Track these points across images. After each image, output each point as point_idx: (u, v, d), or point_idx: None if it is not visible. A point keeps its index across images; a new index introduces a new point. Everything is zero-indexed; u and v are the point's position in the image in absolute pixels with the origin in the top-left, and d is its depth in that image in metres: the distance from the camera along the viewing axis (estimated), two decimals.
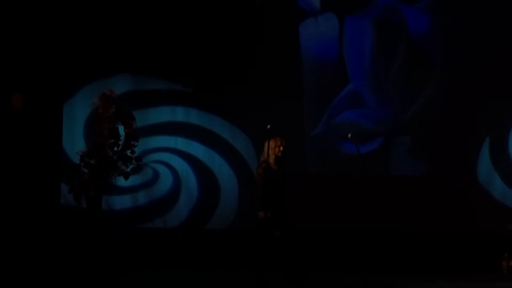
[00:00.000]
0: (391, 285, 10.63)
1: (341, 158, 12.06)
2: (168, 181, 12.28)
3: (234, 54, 12.16)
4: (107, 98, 10.73)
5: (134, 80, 12.26)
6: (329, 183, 11.94)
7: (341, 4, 12.23)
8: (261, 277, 9.64)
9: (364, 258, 11.31)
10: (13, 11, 11.77)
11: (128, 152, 10.77)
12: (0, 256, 11.04)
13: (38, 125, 11.81)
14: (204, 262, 11.80)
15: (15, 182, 11.61)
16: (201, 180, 12.29)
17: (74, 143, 11.95)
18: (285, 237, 9.65)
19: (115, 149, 10.73)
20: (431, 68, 12.19)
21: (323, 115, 12.22)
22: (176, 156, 12.28)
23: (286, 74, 12.13)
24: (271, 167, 9.72)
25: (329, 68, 12.25)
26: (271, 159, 9.75)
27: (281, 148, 9.76)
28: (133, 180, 11.50)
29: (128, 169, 10.80)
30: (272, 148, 9.77)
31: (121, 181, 10.93)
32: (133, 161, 10.80)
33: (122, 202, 12.17)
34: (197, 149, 12.28)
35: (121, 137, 10.72)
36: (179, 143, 12.29)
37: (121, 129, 10.76)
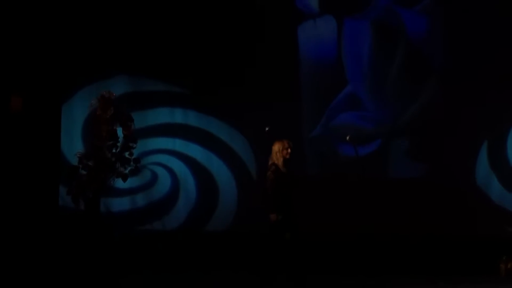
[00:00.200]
0: (390, 287, 10.66)
1: (339, 160, 12.06)
2: (166, 183, 12.28)
3: (233, 56, 12.16)
4: (105, 100, 10.72)
5: (132, 81, 12.26)
6: (327, 185, 11.93)
7: (340, 6, 12.22)
8: (270, 279, 9.67)
9: (362, 260, 11.33)
10: (11, 13, 11.76)
11: (126, 154, 10.75)
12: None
13: (37, 127, 11.80)
14: (203, 264, 11.78)
15: (14, 183, 11.60)
16: (199, 181, 12.30)
17: (72, 144, 11.96)
18: (294, 239, 9.69)
19: (113, 151, 10.71)
20: (429, 70, 12.19)
21: (322, 117, 12.23)
22: (174, 158, 12.28)
23: (285, 76, 12.13)
24: (280, 170, 9.76)
25: (328, 70, 12.25)
26: (280, 162, 9.79)
27: (289, 150, 9.80)
28: (131, 182, 11.47)
29: (126, 171, 10.78)
30: (280, 151, 9.80)
31: (119, 183, 10.92)
32: (131, 163, 10.77)
33: (120, 204, 12.17)
34: (195, 151, 12.29)
35: (119, 139, 10.72)
36: (177, 144, 12.30)
37: (119, 131, 10.75)
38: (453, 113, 12.01)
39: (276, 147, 9.84)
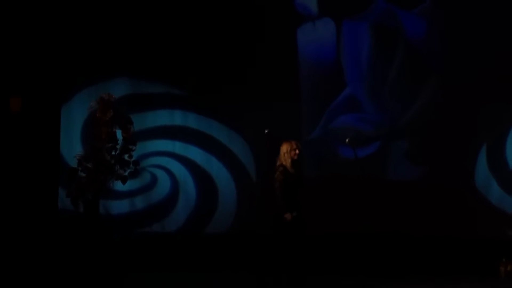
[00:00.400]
0: None
1: (338, 162, 12.05)
2: (166, 185, 12.27)
3: (232, 58, 12.16)
4: (105, 102, 10.72)
5: (132, 83, 12.26)
6: (326, 187, 11.93)
7: (339, 9, 12.22)
8: (279, 279, 9.66)
9: (362, 261, 11.34)
10: (11, 15, 11.76)
11: (126, 156, 10.76)
12: None
13: (36, 128, 11.81)
14: (203, 266, 11.77)
15: (13, 185, 11.60)
16: (199, 184, 12.29)
17: (72, 146, 11.95)
18: (300, 239, 9.70)
19: (113, 153, 10.71)
20: (428, 72, 12.19)
21: (321, 119, 12.22)
22: (174, 160, 12.27)
23: (284, 78, 12.13)
24: (288, 171, 9.77)
25: (327, 72, 12.25)
26: (288, 163, 9.80)
27: (297, 151, 9.82)
28: (131, 185, 11.51)
29: (126, 173, 10.79)
30: (288, 152, 9.82)
31: (119, 186, 10.92)
32: (131, 165, 10.78)
33: (120, 206, 12.16)
34: (195, 153, 12.28)
35: (118, 141, 10.72)
36: (177, 147, 12.29)
37: (119, 133, 10.75)
38: (452, 114, 12.00)
39: (284, 148, 9.86)
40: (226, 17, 12.16)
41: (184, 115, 12.30)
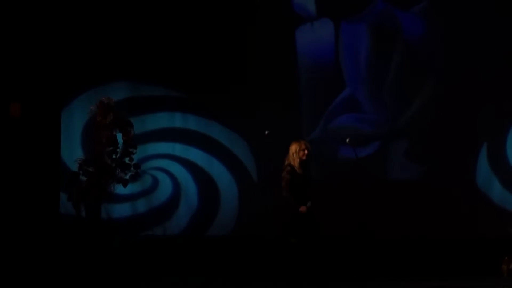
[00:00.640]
0: None
1: (338, 163, 12.05)
2: (167, 188, 12.25)
3: (231, 59, 12.16)
4: (104, 105, 10.75)
5: (131, 86, 12.24)
6: (326, 187, 11.91)
7: (337, 9, 12.23)
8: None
9: (362, 262, 11.32)
10: (11, 19, 11.77)
11: (127, 160, 10.79)
12: (0, 265, 11.02)
13: (36, 133, 11.80)
14: (205, 269, 11.75)
15: (14, 191, 11.59)
16: (200, 186, 12.27)
17: (72, 150, 11.94)
18: (316, 241, 9.71)
19: (114, 156, 10.74)
20: (427, 72, 12.20)
21: (320, 120, 12.22)
22: (174, 163, 12.26)
23: (283, 80, 12.14)
24: (295, 171, 9.77)
25: (326, 73, 12.26)
26: (296, 163, 9.80)
27: (306, 151, 9.82)
28: (132, 188, 11.51)
29: (127, 177, 10.80)
30: (297, 152, 9.81)
31: (120, 189, 10.93)
32: (132, 168, 10.80)
33: (121, 210, 12.14)
34: (196, 155, 12.27)
35: (119, 145, 10.72)
36: (178, 149, 12.28)
37: (119, 137, 10.76)
38: (452, 114, 12.01)
39: (293, 148, 9.85)
40: (224, 19, 12.16)
41: (184, 117, 12.29)
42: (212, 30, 12.18)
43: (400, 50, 12.20)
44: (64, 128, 12.08)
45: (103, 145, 10.69)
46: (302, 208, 9.68)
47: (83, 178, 10.70)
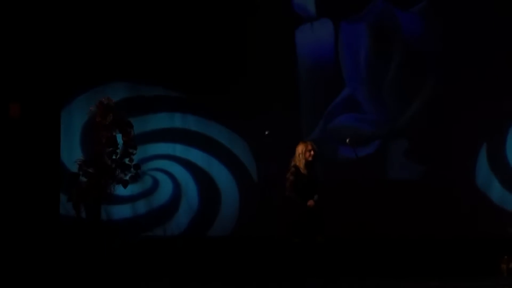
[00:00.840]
0: None
1: (338, 163, 12.05)
2: (167, 188, 12.24)
3: (230, 59, 12.16)
4: (104, 106, 10.72)
5: (131, 87, 12.23)
6: (326, 187, 11.89)
7: (337, 9, 12.23)
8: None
9: (361, 262, 11.33)
10: (10, 20, 11.76)
11: (127, 160, 10.76)
12: (1, 265, 11.02)
13: (36, 134, 11.79)
14: (205, 270, 11.74)
15: (14, 192, 11.59)
16: (200, 187, 12.26)
17: (72, 151, 11.92)
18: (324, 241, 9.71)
19: (114, 157, 10.71)
20: (427, 72, 12.20)
21: (320, 120, 12.22)
22: (175, 163, 12.25)
23: (283, 80, 12.14)
24: (300, 172, 9.76)
25: (325, 73, 12.26)
26: (301, 164, 9.79)
27: (312, 152, 9.81)
28: (132, 189, 11.49)
29: (127, 177, 10.78)
30: (303, 153, 9.80)
31: (120, 190, 10.91)
32: (132, 169, 10.78)
33: (121, 211, 12.13)
34: (196, 156, 12.26)
35: (119, 145, 10.70)
36: (178, 150, 12.27)
37: (119, 137, 10.74)
38: (452, 114, 12.02)
39: (300, 148, 9.84)
40: (224, 19, 12.16)
41: (183, 118, 12.28)
42: (212, 30, 12.17)
43: (400, 50, 12.21)
44: (63, 129, 12.07)
45: (103, 145, 10.66)
46: (310, 202, 9.65)
47: (83, 179, 10.67)
